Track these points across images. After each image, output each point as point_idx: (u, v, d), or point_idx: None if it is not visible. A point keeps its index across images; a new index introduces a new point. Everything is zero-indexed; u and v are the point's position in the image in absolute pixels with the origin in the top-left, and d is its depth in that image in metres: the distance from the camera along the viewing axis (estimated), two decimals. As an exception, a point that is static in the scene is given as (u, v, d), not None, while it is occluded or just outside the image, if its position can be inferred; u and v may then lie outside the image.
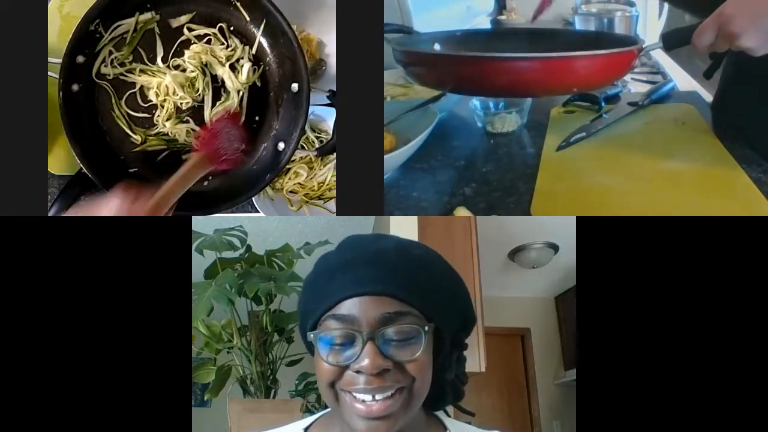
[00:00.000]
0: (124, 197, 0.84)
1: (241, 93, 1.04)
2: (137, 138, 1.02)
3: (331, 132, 1.22)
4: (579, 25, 2.16)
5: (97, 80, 1.00)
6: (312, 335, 0.55)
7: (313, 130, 1.19)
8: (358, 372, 0.52)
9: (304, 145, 1.17)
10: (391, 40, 1.28)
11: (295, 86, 1.03)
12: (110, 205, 0.84)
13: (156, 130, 1.03)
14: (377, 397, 0.52)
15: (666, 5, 2.08)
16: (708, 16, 0.93)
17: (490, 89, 1.20)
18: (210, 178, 1.05)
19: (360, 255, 0.56)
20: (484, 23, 2.38)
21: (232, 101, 1.03)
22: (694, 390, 0.82)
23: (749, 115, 1.13)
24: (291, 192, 1.20)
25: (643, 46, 1.16)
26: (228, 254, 1.69)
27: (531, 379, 3.24)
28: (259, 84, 1.05)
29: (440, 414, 0.65)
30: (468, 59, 1.15)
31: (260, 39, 1.04)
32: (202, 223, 1.63)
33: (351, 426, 0.54)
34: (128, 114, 1.02)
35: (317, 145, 1.20)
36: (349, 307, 0.53)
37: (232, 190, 1.04)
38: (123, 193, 0.85)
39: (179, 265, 0.86)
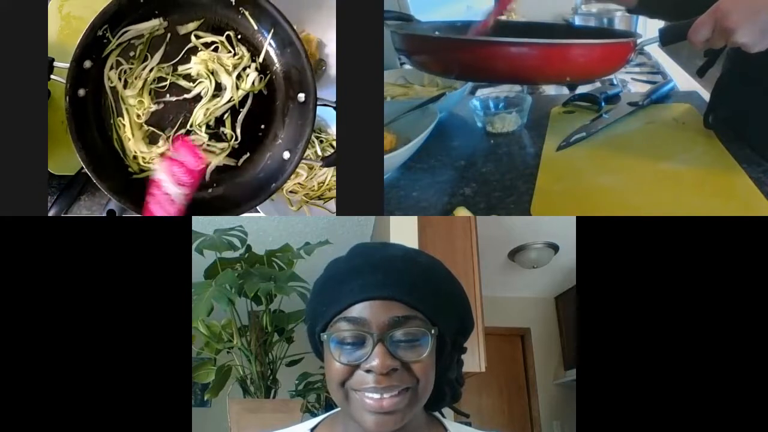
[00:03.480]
0: None
1: (238, 102, 1.04)
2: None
3: (331, 134, 1.22)
4: (579, 24, 2.17)
5: (105, 86, 0.99)
6: (325, 336, 0.57)
7: (313, 131, 1.19)
8: (368, 371, 0.55)
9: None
10: (390, 26, 1.29)
11: (301, 96, 1.03)
12: None
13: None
14: (385, 395, 0.55)
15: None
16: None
17: (489, 75, 1.22)
18: (214, 185, 1.05)
19: (369, 261, 0.59)
20: (484, 23, 2.38)
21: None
22: (693, 389, 0.82)
23: (747, 114, 1.13)
24: (291, 192, 1.20)
25: (640, 39, 1.16)
26: (228, 254, 1.69)
27: (531, 379, 3.24)
28: (265, 92, 1.05)
29: (440, 416, 0.67)
30: (468, 43, 1.18)
31: (267, 47, 1.03)
32: (202, 223, 1.63)
33: (360, 421, 0.56)
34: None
35: (317, 146, 1.20)
36: (359, 310, 0.56)
37: (235, 199, 1.03)
38: None
39: (179, 265, 0.86)
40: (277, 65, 1.04)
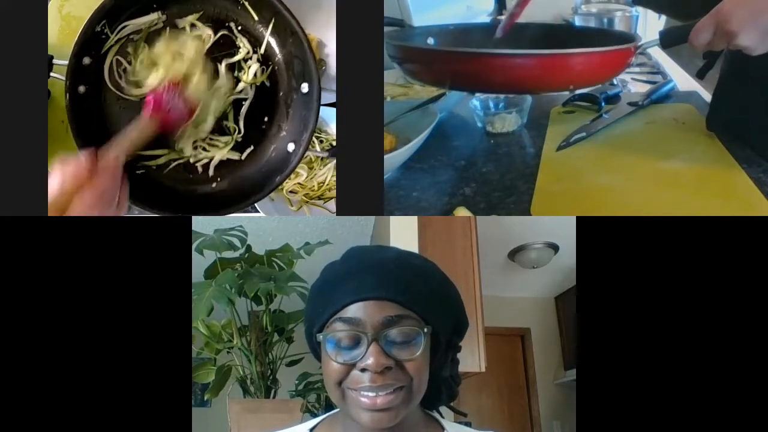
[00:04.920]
0: (65, 167, 0.83)
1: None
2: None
3: (330, 132, 1.22)
4: (579, 24, 2.17)
5: (108, 85, 0.99)
6: (321, 336, 0.59)
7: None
8: (363, 370, 0.56)
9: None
10: (385, 33, 1.29)
11: (305, 86, 1.01)
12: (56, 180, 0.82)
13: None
14: (380, 393, 0.56)
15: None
16: (684, 20, 0.94)
17: (486, 86, 1.21)
18: (218, 179, 1.04)
19: (363, 264, 0.60)
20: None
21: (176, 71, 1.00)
22: (693, 389, 0.82)
23: (747, 115, 1.13)
24: (291, 192, 1.20)
25: (640, 43, 1.16)
26: (228, 254, 1.69)
27: (531, 379, 3.24)
28: (268, 84, 1.04)
29: (437, 415, 0.67)
30: (461, 56, 1.15)
31: (269, 39, 1.02)
32: (202, 223, 1.63)
33: (356, 419, 0.58)
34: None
35: (317, 145, 1.20)
36: (354, 310, 0.57)
37: (240, 192, 1.03)
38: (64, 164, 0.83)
39: (179, 265, 0.86)
40: (279, 56, 1.03)
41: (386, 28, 1.31)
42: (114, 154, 0.89)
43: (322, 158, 1.20)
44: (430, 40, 1.43)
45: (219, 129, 1.04)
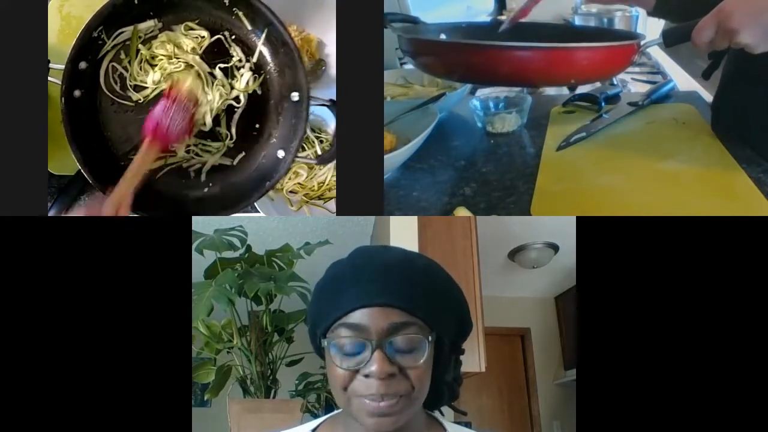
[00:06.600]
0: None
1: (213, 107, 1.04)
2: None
3: (330, 132, 1.22)
4: (579, 24, 2.17)
5: (104, 89, 1.00)
6: (325, 342, 0.59)
7: (312, 130, 1.19)
8: (367, 376, 0.56)
9: (305, 145, 1.17)
10: (397, 29, 1.30)
11: (295, 95, 1.03)
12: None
13: None
14: (384, 399, 0.56)
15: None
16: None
17: (494, 78, 1.24)
18: (210, 184, 1.05)
19: (368, 267, 0.59)
20: (484, 23, 2.38)
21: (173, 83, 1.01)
22: (693, 389, 0.82)
23: (749, 115, 1.13)
24: (291, 192, 1.20)
25: (644, 41, 1.17)
26: (228, 254, 1.69)
27: (531, 379, 3.24)
28: (259, 92, 1.05)
29: (439, 416, 0.67)
30: (473, 47, 1.19)
31: (261, 48, 1.04)
32: (202, 223, 1.63)
33: (361, 422, 0.58)
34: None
35: (317, 145, 1.20)
36: (358, 316, 0.57)
37: (231, 197, 1.04)
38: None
39: (179, 265, 0.86)
40: (271, 65, 1.05)
41: (400, 24, 1.34)
42: (126, 189, 0.91)
43: (312, 165, 1.20)
44: (442, 36, 1.45)
45: (211, 135, 1.05)
